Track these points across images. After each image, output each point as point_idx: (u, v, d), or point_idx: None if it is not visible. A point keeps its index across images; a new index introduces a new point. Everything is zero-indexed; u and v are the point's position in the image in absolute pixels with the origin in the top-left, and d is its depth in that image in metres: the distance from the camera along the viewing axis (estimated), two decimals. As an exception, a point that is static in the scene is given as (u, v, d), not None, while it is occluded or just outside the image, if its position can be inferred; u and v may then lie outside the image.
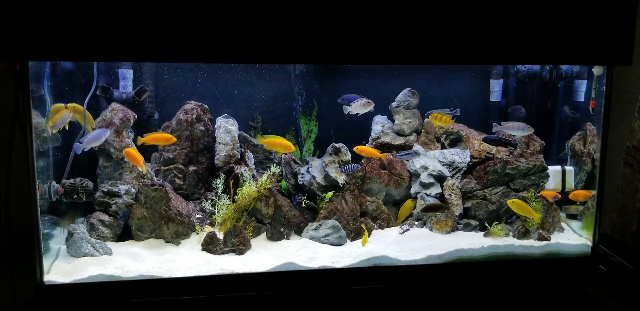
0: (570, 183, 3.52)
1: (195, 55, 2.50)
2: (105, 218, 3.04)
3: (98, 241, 2.88)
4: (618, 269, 3.08)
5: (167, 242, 3.05)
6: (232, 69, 3.47)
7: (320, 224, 3.16)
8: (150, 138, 3.11)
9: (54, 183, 2.97)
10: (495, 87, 3.64)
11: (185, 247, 3.01)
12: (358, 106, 3.27)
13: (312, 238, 3.13)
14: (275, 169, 3.27)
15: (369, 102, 3.27)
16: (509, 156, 3.44)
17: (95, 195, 3.06)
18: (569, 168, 3.53)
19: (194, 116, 3.31)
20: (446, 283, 2.89)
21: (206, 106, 3.38)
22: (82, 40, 2.36)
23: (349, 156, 3.39)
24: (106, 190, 3.06)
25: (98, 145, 3.11)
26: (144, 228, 3.06)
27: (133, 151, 3.04)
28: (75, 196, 3.02)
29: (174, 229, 3.05)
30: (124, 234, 3.09)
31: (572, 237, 3.22)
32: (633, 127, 3.36)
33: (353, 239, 3.19)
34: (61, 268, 2.70)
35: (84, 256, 2.80)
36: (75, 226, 2.89)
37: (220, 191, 3.19)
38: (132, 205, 3.06)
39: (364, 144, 3.49)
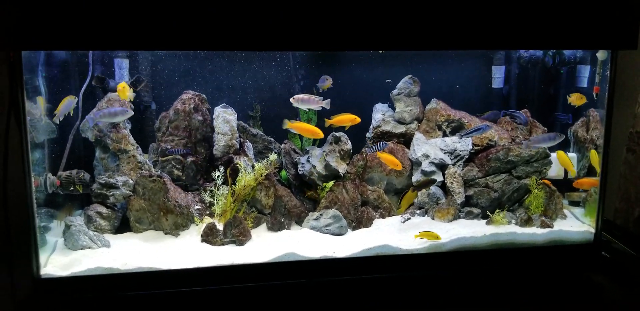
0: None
1: (191, 42, 2.45)
2: (103, 210, 3.00)
3: (96, 233, 2.85)
4: (621, 256, 3.08)
5: (166, 234, 3.02)
6: (230, 58, 3.42)
7: (321, 214, 3.12)
8: (336, 120, 3.17)
9: (49, 175, 2.93)
10: (497, 74, 3.58)
11: (185, 238, 2.98)
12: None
13: (313, 228, 3.10)
14: (272, 157, 3.23)
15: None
16: (511, 143, 3.40)
17: (92, 187, 3.02)
18: (572, 155, 3.49)
19: (192, 106, 3.26)
20: (449, 271, 2.87)
21: (204, 95, 3.33)
22: (76, 29, 2.31)
23: (349, 145, 3.35)
24: (103, 182, 3.02)
25: (93, 136, 3.12)
26: (143, 219, 3.03)
27: None
28: (71, 188, 2.98)
29: (172, 221, 3.02)
30: (122, 227, 3.06)
31: (575, 224, 3.19)
32: (636, 113, 3.33)
33: (354, 228, 3.16)
34: (58, 261, 2.66)
35: (81, 248, 2.77)
36: (72, 218, 2.85)
37: (219, 182, 3.15)
38: (130, 197, 3.02)
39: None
